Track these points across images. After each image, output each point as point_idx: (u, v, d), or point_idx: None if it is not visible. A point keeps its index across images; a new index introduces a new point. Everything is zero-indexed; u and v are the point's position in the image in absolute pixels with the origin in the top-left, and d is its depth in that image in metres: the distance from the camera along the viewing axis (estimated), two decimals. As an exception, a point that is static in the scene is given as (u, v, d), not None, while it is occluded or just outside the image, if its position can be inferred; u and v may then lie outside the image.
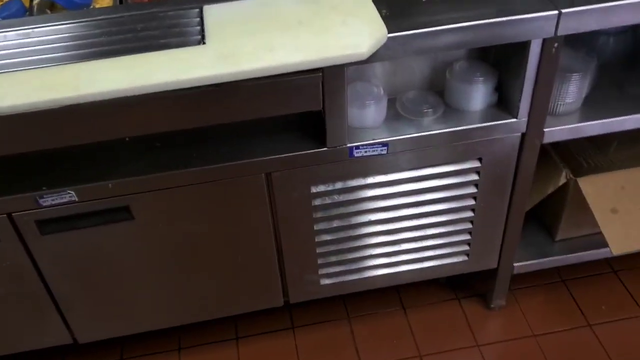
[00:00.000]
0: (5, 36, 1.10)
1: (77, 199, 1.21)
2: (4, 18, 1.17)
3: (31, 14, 1.20)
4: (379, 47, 1.02)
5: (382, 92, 1.31)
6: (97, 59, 1.02)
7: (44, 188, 1.19)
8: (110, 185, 1.20)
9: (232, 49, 1.01)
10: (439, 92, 1.37)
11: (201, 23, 1.09)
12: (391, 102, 1.35)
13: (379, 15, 1.08)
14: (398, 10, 1.14)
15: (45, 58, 1.04)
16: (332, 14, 1.08)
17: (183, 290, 1.48)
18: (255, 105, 1.11)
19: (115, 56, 1.02)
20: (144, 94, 0.96)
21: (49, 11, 1.21)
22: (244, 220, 1.35)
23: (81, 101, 0.94)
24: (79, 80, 0.95)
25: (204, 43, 1.04)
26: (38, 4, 1.20)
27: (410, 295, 1.83)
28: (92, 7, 1.23)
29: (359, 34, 1.02)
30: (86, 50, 1.05)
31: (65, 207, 1.23)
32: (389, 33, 1.06)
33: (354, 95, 1.28)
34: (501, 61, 1.31)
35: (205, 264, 1.43)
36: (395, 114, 1.34)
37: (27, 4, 1.21)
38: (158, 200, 1.26)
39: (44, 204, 1.21)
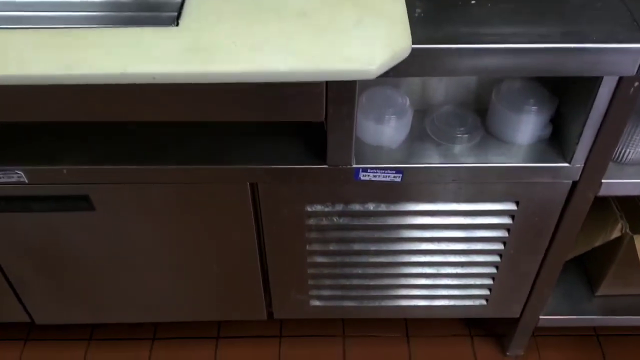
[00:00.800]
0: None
1: (26, 181, 1.03)
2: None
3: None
4: (396, 63, 0.78)
5: (407, 103, 1.06)
6: (44, 28, 0.81)
7: (-11, 163, 1.02)
8: (65, 171, 1.02)
9: (206, 40, 0.78)
10: (480, 111, 1.11)
11: (185, -6, 0.86)
12: (419, 116, 1.10)
13: (406, 17, 0.83)
14: (436, 12, 0.88)
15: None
16: (347, 6, 0.83)
17: (155, 289, 1.31)
18: (235, 107, 0.88)
19: (68, 26, 0.81)
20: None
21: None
22: (223, 230, 1.15)
23: (5, 83, 0.74)
24: (7, 57, 0.75)
25: (177, 24, 0.82)
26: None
27: (418, 323, 1.62)
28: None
29: (372, 42, 0.77)
30: (37, 14, 0.84)
31: (14, 187, 1.05)
32: (415, 43, 0.81)
33: (371, 105, 1.04)
34: (563, 87, 1.04)
35: (179, 266, 1.24)
36: (422, 132, 1.09)
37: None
38: (122, 193, 1.07)
39: (-10, 181, 1.04)
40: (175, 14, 0.83)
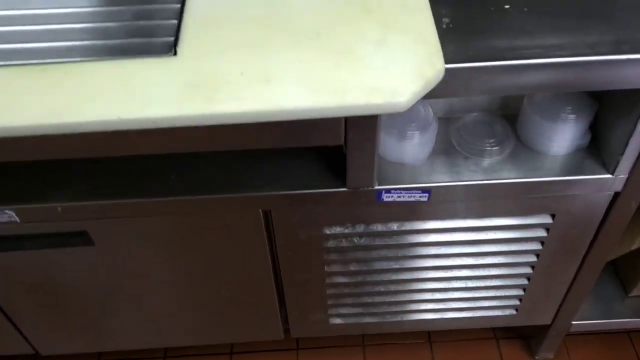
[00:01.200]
0: None
1: (18, 220, 0.94)
2: None
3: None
4: (428, 91, 0.68)
5: (431, 115, 0.96)
6: (18, 64, 0.71)
7: (-24, 203, 0.92)
8: (59, 208, 0.92)
9: (209, 73, 0.68)
10: (510, 117, 1.02)
11: (180, 13, 0.76)
12: (443, 126, 1.01)
13: (434, 30, 0.73)
14: (466, 21, 0.77)
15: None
16: (365, 21, 0.73)
17: (164, 315, 1.23)
18: (248, 136, 0.79)
19: (46, 61, 0.71)
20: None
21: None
22: (235, 257, 1.06)
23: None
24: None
25: (174, 53, 0.71)
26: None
27: (440, 328, 1.54)
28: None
29: (399, 67, 0.67)
30: (7, 46, 0.74)
31: (6, 227, 0.96)
32: (448, 62, 0.71)
33: (392, 118, 0.94)
34: (603, 92, 0.94)
35: (188, 294, 1.16)
36: (447, 144, 0.99)
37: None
38: (123, 227, 0.99)
39: (-21, 221, 0.94)
40: (172, 39, 0.73)
